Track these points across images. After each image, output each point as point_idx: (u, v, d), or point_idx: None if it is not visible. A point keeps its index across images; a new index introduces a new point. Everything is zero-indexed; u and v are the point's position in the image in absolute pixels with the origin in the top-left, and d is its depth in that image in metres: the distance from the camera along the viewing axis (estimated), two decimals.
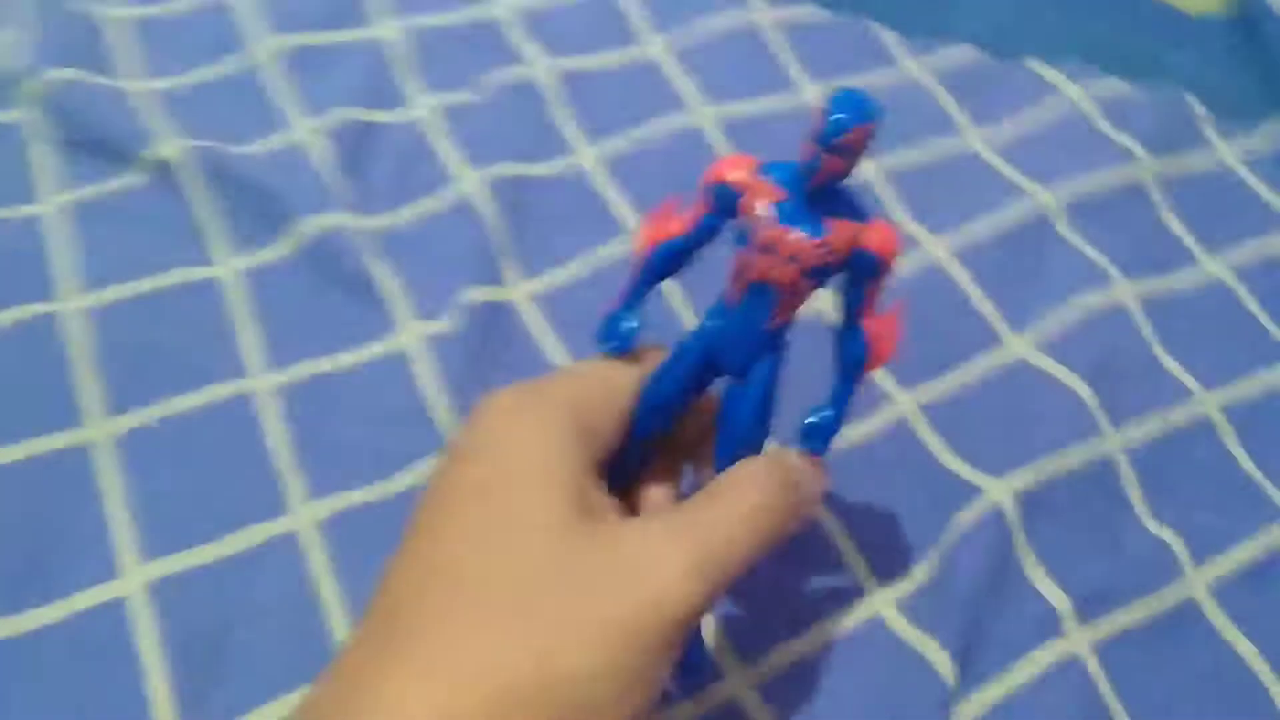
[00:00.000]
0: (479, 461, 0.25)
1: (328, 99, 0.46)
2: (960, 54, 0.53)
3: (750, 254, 0.27)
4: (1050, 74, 0.52)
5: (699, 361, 0.28)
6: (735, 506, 0.26)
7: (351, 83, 0.47)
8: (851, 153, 0.25)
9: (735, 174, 0.27)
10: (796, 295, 0.27)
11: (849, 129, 0.25)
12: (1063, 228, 0.46)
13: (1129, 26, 0.55)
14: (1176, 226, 0.47)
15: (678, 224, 0.28)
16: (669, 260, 0.28)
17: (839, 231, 0.27)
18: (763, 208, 0.26)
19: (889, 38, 0.53)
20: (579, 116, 0.48)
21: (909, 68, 0.52)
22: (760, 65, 0.51)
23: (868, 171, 0.47)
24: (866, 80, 0.51)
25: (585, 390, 0.27)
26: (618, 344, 0.29)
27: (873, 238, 0.27)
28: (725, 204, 0.27)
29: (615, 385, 0.28)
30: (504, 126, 0.47)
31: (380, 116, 0.46)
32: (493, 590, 0.23)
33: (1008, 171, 0.48)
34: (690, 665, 0.31)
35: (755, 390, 0.28)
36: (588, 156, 0.46)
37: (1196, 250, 0.47)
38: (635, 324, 0.29)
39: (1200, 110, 0.52)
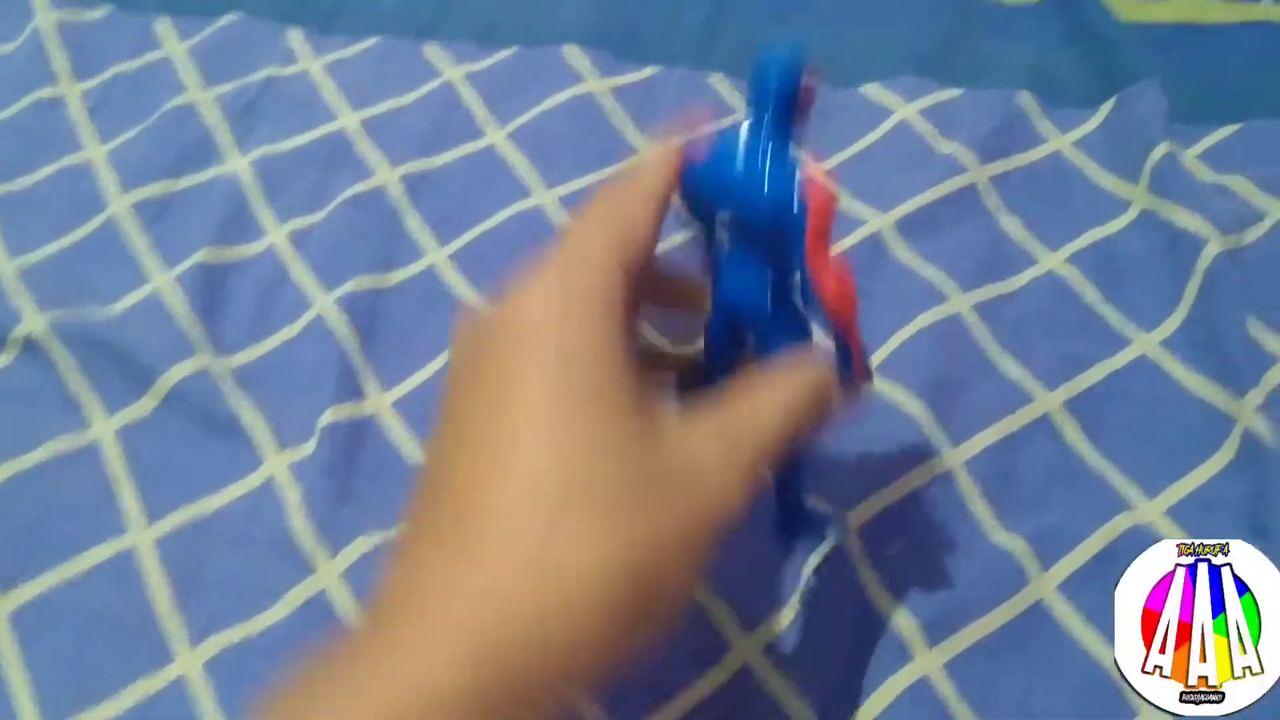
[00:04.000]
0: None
1: (185, 244, 0.49)
2: None
3: None
4: (883, 95, 0.54)
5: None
6: (771, 401, 0.27)
7: (207, 224, 0.49)
8: None
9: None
10: None
11: None
12: (897, 248, 0.48)
13: (959, 30, 0.57)
14: (1013, 228, 0.49)
15: None
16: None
17: None
18: None
19: (719, 82, 0.55)
20: (426, 217, 0.50)
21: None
22: (597, 134, 0.53)
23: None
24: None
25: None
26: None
27: None
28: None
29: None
30: (356, 240, 0.49)
31: (237, 252, 0.49)
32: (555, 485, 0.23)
33: (844, 199, 0.50)
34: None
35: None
36: (438, 256, 0.49)
37: (1034, 248, 0.48)
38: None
39: (1032, 103, 0.53)
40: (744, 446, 0.25)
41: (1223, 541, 0.35)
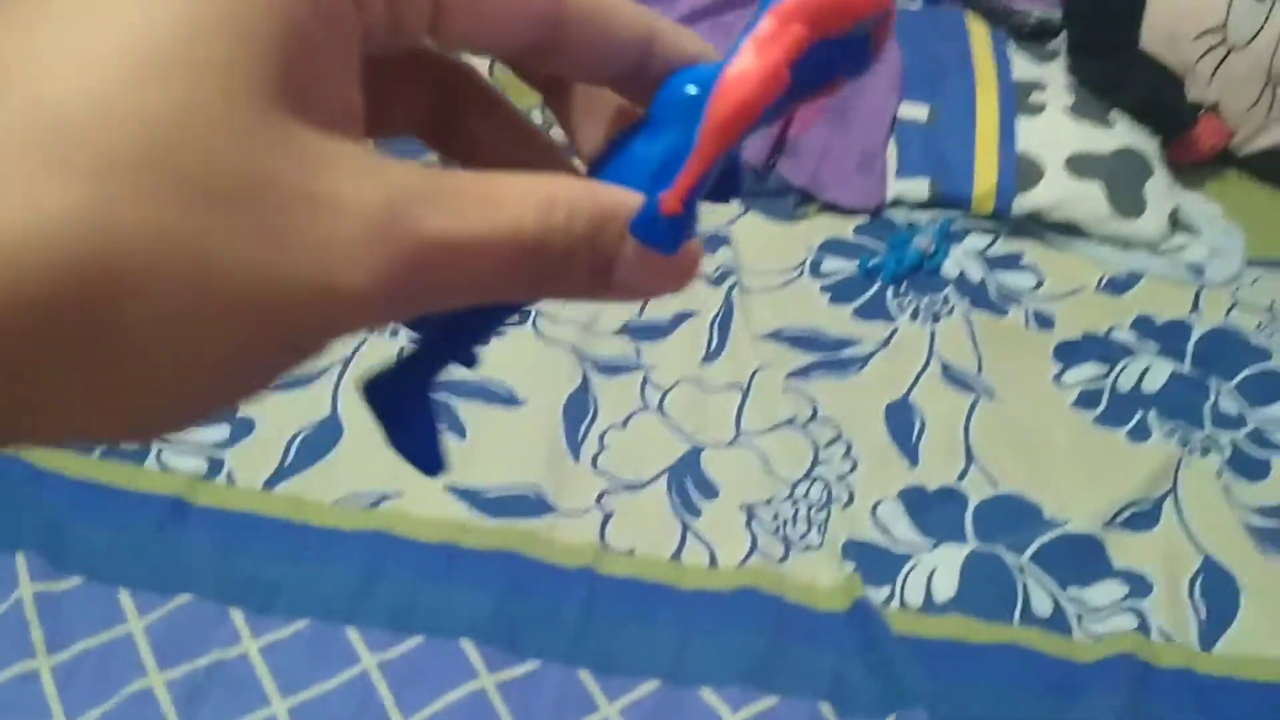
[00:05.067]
0: None
1: None
2: (646, 689, 0.68)
3: None
4: (716, 703, 0.67)
5: None
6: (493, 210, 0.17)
7: None
8: None
9: None
10: None
11: None
12: None
13: (778, 633, 0.71)
14: None
15: None
16: None
17: None
18: None
19: (586, 678, 0.68)
20: None
21: (607, 711, 0.67)
22: None
23: None
24: None
25: None
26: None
27: None
28: None
29: None
30: None
31: None
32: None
33: None
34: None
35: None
36: None
37: None
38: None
39: (830, 716, 0.67)
40: (403, 241, 0.16)
41: None
